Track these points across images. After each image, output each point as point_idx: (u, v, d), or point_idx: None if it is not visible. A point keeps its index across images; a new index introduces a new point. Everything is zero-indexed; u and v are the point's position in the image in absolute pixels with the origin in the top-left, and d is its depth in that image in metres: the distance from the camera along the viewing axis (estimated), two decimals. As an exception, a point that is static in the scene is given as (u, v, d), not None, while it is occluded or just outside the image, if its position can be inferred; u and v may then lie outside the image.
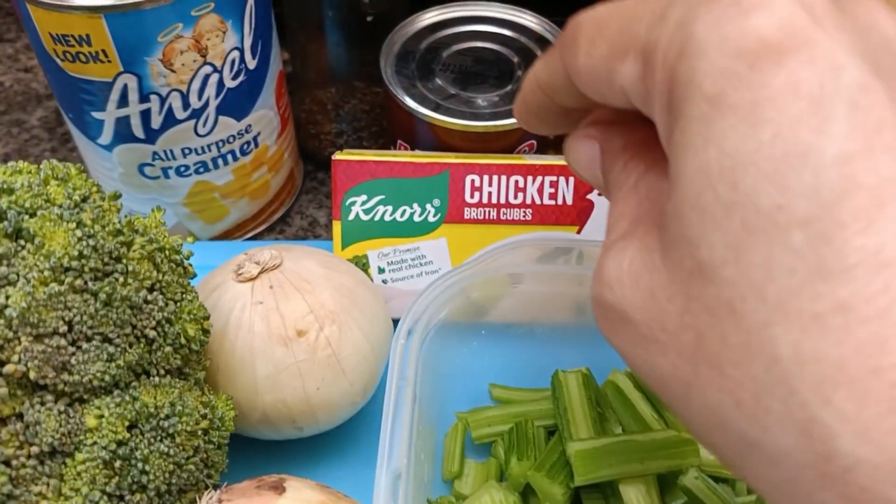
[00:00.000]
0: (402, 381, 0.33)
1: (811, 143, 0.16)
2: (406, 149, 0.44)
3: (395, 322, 0.36)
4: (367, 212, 0.41)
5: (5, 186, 0.29)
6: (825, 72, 0.16)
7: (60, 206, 0.29)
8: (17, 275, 0.27)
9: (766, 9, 0.16)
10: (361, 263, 0.42)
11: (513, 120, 0.41)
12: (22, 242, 0.28)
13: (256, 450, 0.39)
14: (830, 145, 0.16)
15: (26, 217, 0.28)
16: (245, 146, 0.47)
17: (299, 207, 0.56)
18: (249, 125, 0.47)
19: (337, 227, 0.42)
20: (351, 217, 0.41)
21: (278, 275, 0.36)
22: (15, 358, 0.27)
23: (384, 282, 0.43)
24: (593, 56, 0.20)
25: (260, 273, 0.36)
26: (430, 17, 0.47)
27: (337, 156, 0.41)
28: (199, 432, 0.31)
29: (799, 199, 0.16)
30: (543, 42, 0.46)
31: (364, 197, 0.41)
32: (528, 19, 0.47)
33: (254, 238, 0.53)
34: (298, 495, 0.31)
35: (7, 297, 0.27)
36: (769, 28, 0.16)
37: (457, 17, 0.47)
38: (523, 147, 0.43)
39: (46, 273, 0.28)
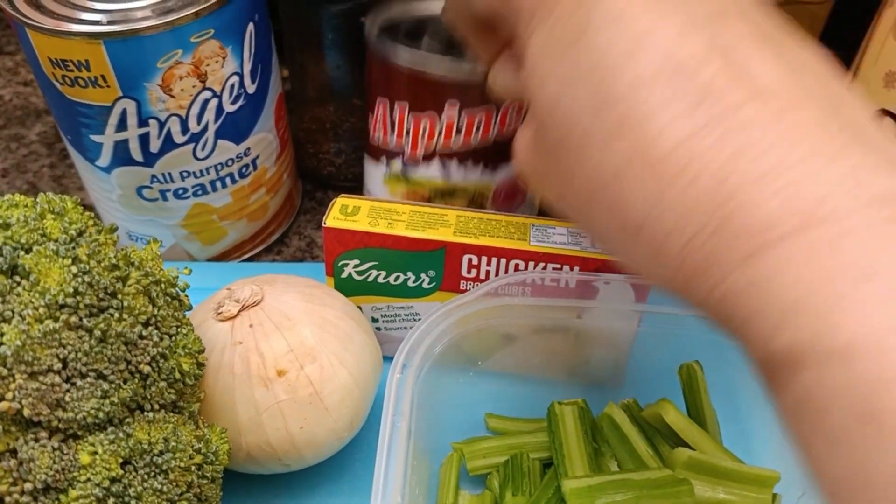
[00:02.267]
0: (398, 416, 0.33)
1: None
2: (385, 107, 0.42)
3: (390, 359, 0.35)
4: (359, 273, 0.41)
5: (1, 221, 0.29)
6: None
7: (56, 241, 0.29)
8: (13, 312, 0.27)
9: None
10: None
11: None
12: (17, 279, 0.28)
13: (250, 482, 0.39)
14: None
15: (22, 253, 0.28)
16: (244, 169, 0.47)
17: (297, 228, 0.55)
18: (248, 148, 0.47)
19: (330, 282, 0.41)
20: (344, 276, 0.41)
21: (258, 312, 0.36)
22: (9, 395, 0.27)
23: (378, 329, 0.43)
24: None
25: (240, 311, 0.36)
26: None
27: (328, 223, 0.39)
28: (193, 467, 0.31)
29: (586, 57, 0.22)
30: None
31: (357, 261, 0.40)
32: None
33: (251, 259, 0.53)
34: (292, 532, 0.30)
35: (2, 335, 0.27)
36: None
37: None
38: (510, 106, 0.41)
39: (41, 310, 0.27)
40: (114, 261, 0.30)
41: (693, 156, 0.20)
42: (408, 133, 0.42)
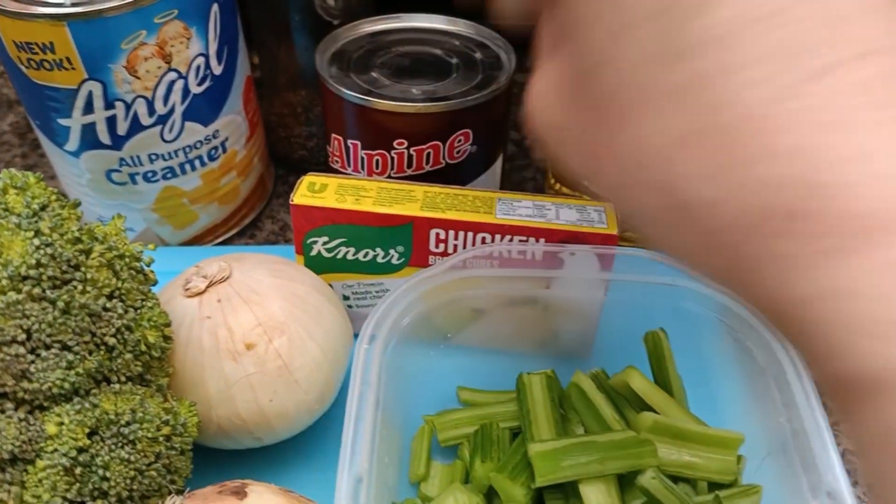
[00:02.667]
0: (365, 386, 0.33)
1: None
2: (339, 143, 0.43)
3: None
4: (329, 251, 0.41)
5: (-37, 196, 0.29)
6: None
7: (19, 215, 0.29)
8: (-25, 284, 0.28)
9: None
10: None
11: (445, 103, 0.41)
12: (-21, 252, 0.28)
13: (224, 456, 0.39)
14: None
15: (-16, 226, 0.29)
16: (213, 151, 0.47)
17: (270, 212, 0.56)
18: (217, 130, 0.47)
19: (300, 260, 0.41)
20: (313, 253, 0.41)
21: (227, 287, 0.36)
22: (-27, 367, 0.27)
23: (349, 307, 0.43)
24: None
25: (208, 287, 0.36)
26: (371, 26, 0.47)
27: (296, 200, 0.39)
28: (161, 438, 0.32)
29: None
30: (483, 46, 0.46)
31: (325, 238, 0.40)
32: (465, 29, 0.47)
33: (224, 243, 0.53)
34: (260, 500, 0.31)
35: (-36, 307, 0.27)
36: None
37: (396, 28, 0.47)
38: (458, 137, 0.42)
39: (4, 282, 0.28)
40: (77, 234, 0.30)
41: (773, 126, 0.17)
42: (362, 165, 0.44)
